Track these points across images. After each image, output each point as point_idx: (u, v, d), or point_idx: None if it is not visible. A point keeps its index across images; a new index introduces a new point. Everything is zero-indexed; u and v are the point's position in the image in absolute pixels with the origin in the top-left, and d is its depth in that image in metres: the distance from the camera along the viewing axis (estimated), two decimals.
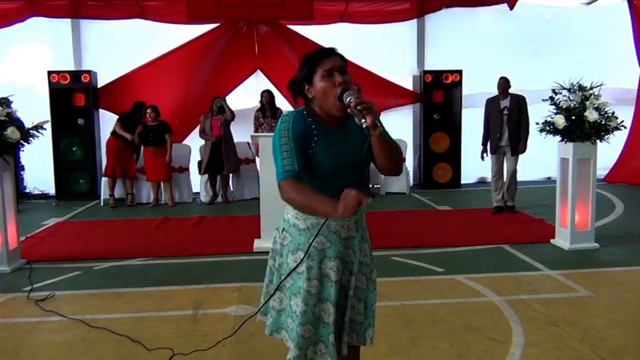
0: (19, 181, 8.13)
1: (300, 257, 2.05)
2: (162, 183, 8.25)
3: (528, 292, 4.27)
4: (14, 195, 5.22)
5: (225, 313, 3.92)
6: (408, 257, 5.21)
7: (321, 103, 2.02)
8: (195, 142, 8.63)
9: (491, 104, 6.92)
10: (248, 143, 8.38)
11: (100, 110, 8.86)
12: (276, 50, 9.00)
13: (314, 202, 1.86)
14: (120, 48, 8.93)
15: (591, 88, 5.28)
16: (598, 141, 5.32)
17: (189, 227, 6.70)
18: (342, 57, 2.04)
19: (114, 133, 7.99)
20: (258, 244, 5.55)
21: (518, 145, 6.78)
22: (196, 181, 8.65)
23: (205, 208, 7.97)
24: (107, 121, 8.62)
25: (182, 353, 3.23)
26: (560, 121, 5.22)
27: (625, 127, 5.60)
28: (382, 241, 5.66)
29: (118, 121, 8.03)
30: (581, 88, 5.29)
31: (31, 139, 5.10)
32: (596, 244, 5.45)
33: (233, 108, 8.09)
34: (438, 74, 9.12)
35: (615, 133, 5.35)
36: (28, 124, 5.11)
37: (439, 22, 9.31)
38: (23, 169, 8.51)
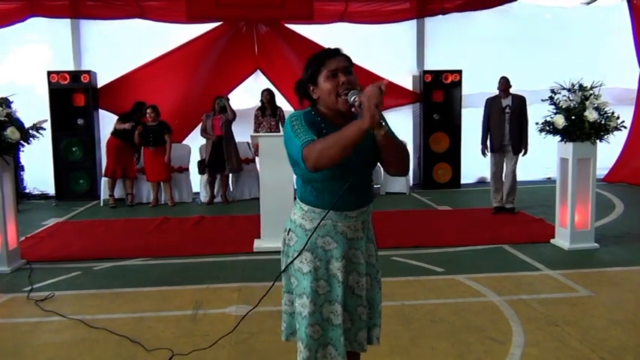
0: (18, 182, 8.12)
1: (307, 258, 2.05)
2: (162, 183, 8.25)
3: (528, 292, 4.27)
4: (14, 195, 5.22)
5: (225, 313, 3.91)
6: (408, 257, 5.21)
7: (326, 103, 2.02)
8: (195, 142, 8.63)
9: (493, 103, 6.92)
10: (248, 143, 8.38)
11: (100, 110, 8.86)
12: (276, 50, 9.00)
13: (339, 136, 1.81)
14: (119, 48, 8.92)
15: (591, 88, 5.28)
16: (598, 141, 5.32)
17: (189, 227, 6.70)
18: (347, 57, 2.04)
19: (114, 132, 7.99)
20: (258, 244, 5.55)
21: (520, 144, 6.77)
22: (196, 181, 8.65)
23: (205, 208, 7.97)
24: (107, 122, 8.62)
25: (181, 353, 3.23)
26: (560, 121, 5.22)
27: (625, 127, 5.60)
28: (382, 241, 5.60)
29: (118, 120, 8.02)
30: (581, 87, 5.29)
31: (30, 139, 5.10)
32: (596, 244, 5.45)
33: (233, 108, 8.08)
34: (437, 74, 9.12)
35: (615, 133, 5.35)
36: (27, 125, 5.11)
37: (439, 22, 9.31)
38: (23, 170, 8.50)
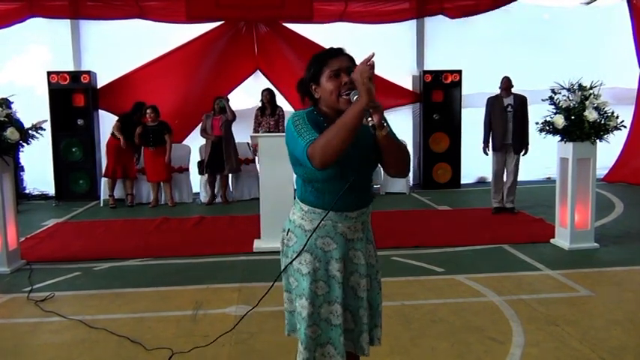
0: (18, 182, 8.12)
1: (306, 259, 2.04)
2: (162, 183, 8.25)
3: (528, 292, 4.26)
4: (14, 196, 5.22)
5: (225, 313, 3.91)
6: (408, 257, 5.21)
7: (327, 103, 2.01)
8: (195, 142, 8.63)
9: (495, 102, 6.91)
10: (248, 144, 8.38)
11: (100, 111, 8.86)
12: (275, 50, 9.00)
13: (339, 125, 1.80)
14: (119, 48, 8.92)
15: (591, 88, 5.28)
16: (598, 141, 5.32)
17: (189, 227, 6.70)
18: (350, 57, 2.03)
19: (113, 133, 7.99)
20: (258, 245, 5.55)
21: (521, 144, 6.77)
22: (196, 182, 8.65)
23: (205, 209, 7.97)
24: (107, 122, 8.62)
25: (182, 351, 3.23)
26: (560, 120, 5.22)
27: (625, 127, 5.60)
28: (382, 241, 5.61)
29: (118, 121, 8.02)
30: (580, 87, 5.29)
31: (30, 139, 5.10)
32: (596, 244, 5.44)
33: (233, 108, 8.08)
34: (437, 74, 9.13)
35: (615, 132, 5.35)
36: (27, 125, 5.11)
37: (439, 22, 9.31)
38: (23, 170, 8.51)
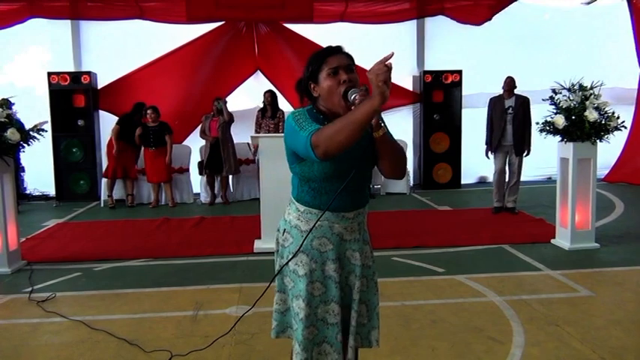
0: (19, 183, 8.14)
1: (303, 260, 2.03)
2: (162, 184, 8.25)
3: (529, 292, 4.27)
4: (14, 196, 5.23)
5: (225, 313, 3.92)
6: (408, 257, 5.21)
7: (326, 102, 1.99)
8: (195, 142, 8.64)
9: (496, 103, 6.91)
10: (248, 144, 8.39)
11: (100, 111, 8.86)
12: (276, 51, 9.01)
13: (348, 119, 1.72)
14: (119, 49, 8.93)
15: (591, 88, 5.28)
16: (598, 141, 5.32)
17: (189, 228, 6.70)
18: (348, 55, 2.01)
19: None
20: (258, 245, 5.55)
21: (521, 144, 6.77)
22: (197, 182, 8.66)
23: (205, 209, 7.97)
24: (107, 122, 8.62)
25: (180, 354, 3.23)
26: (560, 120, 5.22)
27: (625, 127, 5.60)
28: (383, 241, 5.65)
29: (117, 124, 8.02)
30: (581, 87, 5.29)
31: (31, 140, 5.10)
32: (596, 244, 5.44)
33: (233, 109, 8.09)
34: (437, 74, 9.13)
35: (615, 132, 5.35)
36: (28, 126, 5.11)
37: (439, 22, 9.31)
38: (23, 171, 8.52)
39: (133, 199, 8.23)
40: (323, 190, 2.01)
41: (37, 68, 8.72)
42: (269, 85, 8.72)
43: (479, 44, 9.22)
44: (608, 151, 7.03)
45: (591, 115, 5.14)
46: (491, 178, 7.39)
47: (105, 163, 8.31)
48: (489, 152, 7.01)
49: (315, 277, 2.03)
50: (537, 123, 5.59)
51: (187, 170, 8.63)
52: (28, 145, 5.14)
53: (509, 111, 6.78)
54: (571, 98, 5.28)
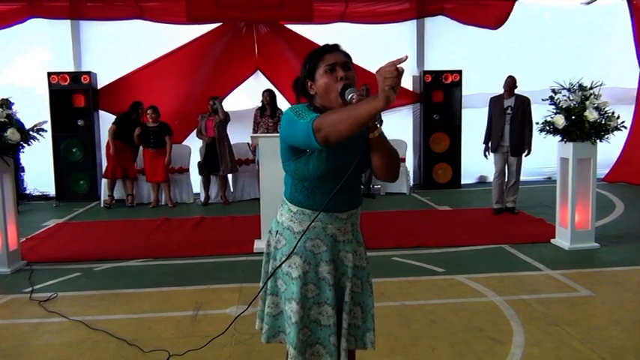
0: (19, 183, 8.13)
1: (296, 262, 2.01)
2: (161, 184, 8.25)
3: (529, 292, 4.27)
4: (14, 196, 5.22)
5: (225, 313, 3.92)
6: (408, 257, 5.21)
7: (323, 99, 1.97)
8: (195, 142, 8.64)
9: (496, 103, 6.91)
10: (248, 144, 8.39)
11: (100, 111, 8.86)
12: (276, 51, 9.00)
13: (351, 112, 1.70)
14: (119, 49, 8.92)
15: (591, 88, 5.28)
16: (598, 141, 5.32)
17: (189, 228, 6.70)
18: (345, 53, 1.99)
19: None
20: (258, 245, 5.55)
21: (520, 145, 6.76)
22: (197, 182, 8.66)
23: (205, 209, 7.97)
24: (107, 123, 8.58)
25: (177, 354, 3.23)
26: (560, 120, 5.22)
27: (625, 127, 5.60)
28: (382, 241, 5.66)
29: (114, 124, 8.01)
30: (580, 87, 5.29)
31: (31, 140, 5.10)
32: (596, 244, 5.44)
33: (233, 109, 8.08)
34: (437, 74, 9.13)
35: (615, 132, 5.35)
36: (28, 126, 5.11)
37: (439, 22, 9.31)
38: (23, 171, 8.51)
39: (132, 199, 8.23)
40: (317, 189, 1.99)
41: (37, 68, 8.71)
42: (269, 86, 8.73)
43: (479, 44, 9.22)
44: (608, 150, 7.02)
45: (591, 115, 5.14)
46: (491, 178, 7.39)
47: (105, 164, 8.31)
48: (487, 152, 7.02)
49: (309, 279, 2.01)
50: (537, 123, 5.59)
51: (187, 170, 8.62)
52: (28, 145, 5.14)
53: (508, 111, 6.78)
54: (571, 98, 5.28)
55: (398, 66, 1.57)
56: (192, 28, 8.77)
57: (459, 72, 9.09)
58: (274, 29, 9.00)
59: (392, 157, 1.97)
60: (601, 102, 5.23)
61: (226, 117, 8.03)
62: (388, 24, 9.19)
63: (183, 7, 8.37)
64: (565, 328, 3.55)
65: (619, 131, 5.42)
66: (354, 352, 2.23)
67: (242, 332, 3.48)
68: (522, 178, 7.10)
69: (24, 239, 5.91)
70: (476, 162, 7.59)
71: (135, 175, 8.25)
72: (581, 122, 5.19)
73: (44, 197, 8.78)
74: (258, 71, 9.22)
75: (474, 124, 8.22)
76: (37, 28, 8.70)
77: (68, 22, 8.83)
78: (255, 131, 7.96)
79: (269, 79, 9.05)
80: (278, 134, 2.10)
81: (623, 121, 5.35)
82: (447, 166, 9.23)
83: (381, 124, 1.96)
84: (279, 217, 2.10)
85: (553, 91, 5.40)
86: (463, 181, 9.40)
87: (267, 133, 7.65)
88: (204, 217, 7.26)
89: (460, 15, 9.10)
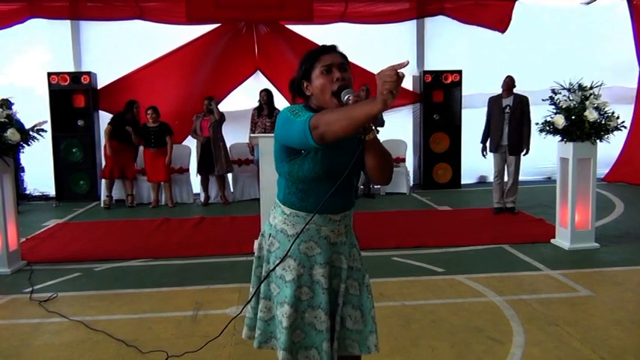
0: (19, 183, 8.13)
1: (290, 265, 1.98)
2: (162, 184, 8.25)
3: (529, 292, 4.27)
4: (14, 196, 5.23)
5: (225, 313, 3.91)
6: (408, 257, 5.21)
7: (318, 100, 1.96)
8: (195, 143, 8.63)
9: (494, 103, 6.91)
10: (248, 144, 8.39)
11: (100, 111, 8.86)
12: (276, 51, 9.00)
13: (348, 112, 1.68)
14: (119, 49, 8.92)
15: (591, 88, 5.28)
16: (598, 141, 5.32)
17: (189, 228, 6.70)
18: (342, 54, 1.98)
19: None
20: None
21: (518, 144, 6.76)
22: (196, 182, 8.65)
23: (205, 209, 7.97)
24: (107, 123, 8.61)
25: (175, 355, 3.22)
26: (560, 120, 5.22)
27: (625, 128, 5.60)
28: (382, 241, 5.66)
29: (109, 124, 8.01)
30: (580, 87, 5.29)
31: (31, 140, 5.10)
32: (596, 244, 5.44)
33: (232, 109, 8.08)
34: (437, 74, 9.13)
35: (615, 132, 5.35)
36: (28, 126, 5.11)
37: (439, 22, 9.31)
38: (23, 171, 8.51)
39: (132, 199, 8.23)
40: (311, 191, 1.97)
41: (37, 68, 8.71)
42: (268, 85, 8.72)
43: (479, 44, 9.22)
44: (608, 150, 7.02)
45: (591, 115, 5.14)
46: (491, 178, 7.39)
47: (104, 164, 8.31)
48: (485, 151, 7.01)
49: (303, 282, 1.99)
50: (537, 123, 5.59)
51: (187, 170, 8.62)
52: (28, 145, 5.14)
53: (507, 110, 6.78)
54: (571, 98, 5.28)
55: (399, 71, 1.55)
56: (192, 29, 8.77)
57: (459, 72, 9.09)
58: (274, 29, 9.00)
59: (386, 159, 1.96)
60: (601, 102, 5.24)
61: (222, 117, 8.03)
62: (388, 24, 9.19)
63: (183, 7, 8.37)
64: (565, 328, 3.55)
65: (619, 131, 5.42)
66: (360, 358, 2.18)
67: (242, 332, 3.47)
68: (522, 178, 7.10)
69: (24, 239, 5.91)
70: (476, 162, 7.60)
71: (134, 175, 8.24)
72: (581, 122, 5.19)
73: (44, 197, 8.78)
74: (258, 71, 9.22)
75: (473, 124, 8.21)
76: (37, 28, 8.69)
77: (68, 22, 8.82)
78: (252, 131, 7.96)
79: (269, 79, 9.05)
80: None
81: (623, 121, 5.35)
82: (447, 166, 9.23)
83: (382, 125, 1.95)
84: (272, 219, 2.08)
85: (552, 91, 5.40)
86: (463, 181, 9.40)
87: (265, 133, 7.64)
88: (204, 217, 7.26)
89: (460, 15, 9.11)
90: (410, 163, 9.42)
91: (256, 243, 2.15)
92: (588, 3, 9.46)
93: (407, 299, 4.11)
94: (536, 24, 9.45)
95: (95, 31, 8.96)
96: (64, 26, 8.85)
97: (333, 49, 1.99)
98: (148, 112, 7.96)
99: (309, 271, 2.00)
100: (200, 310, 4.01)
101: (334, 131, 1.71)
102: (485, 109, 7.11)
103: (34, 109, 7.35)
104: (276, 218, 2.06)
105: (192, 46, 8.86)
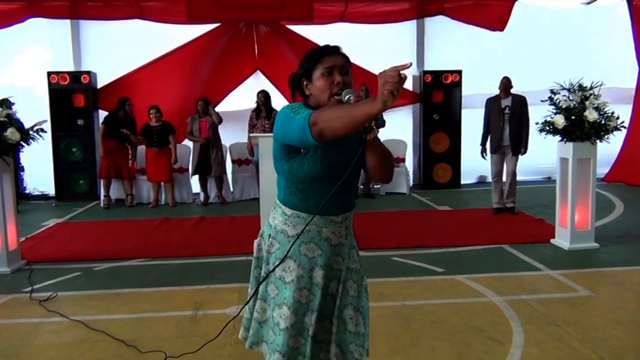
0: (19, 182, 8.13)
1: (290, 266, 1.97)
2: (163, 183, 8.25)
3: (528, 292, 4.27)
4: (14, 196, 5.22)
5: (225, 313, 3.91)
6: (408, 257, 5.21)
7: (318, 101, 1.94)
8: (191, 144, 8.63)
9: (493, 103, 6.91)
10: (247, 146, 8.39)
11: (100, 111, 8.85)
12: (275, 51, 9.00)
13: (347, 111, 1.66)
14: (119, 49, 8.92)
15: (591, 88, 5.28)
16: (598, 141, 5.32)
17: (189, 228, 6.70)
18: (345, 57, 1.96)
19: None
20: None
21: (519, 144, 6.77)
22: (196, 182, 8.65)
23: (205, 209, 7.97)
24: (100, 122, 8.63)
25: (173, 356, 3.22)
26: (560, 120, 5.23)
27: (625, 128, 5.60)
28: (382, 241, 5.66)
29: (103, 124, 8.01)
30: (580, 87, 5.29)
31: (31, 140, 5.10)
32: (596, 244, 5.45)
33: (232, 109, 8.08)
34: (437, 74, 9.14)
35: (615, 132, 5.35)
36: (28, 126, 5.11)
37: (439, 22, 9.32)
38: (23, 170, 8.51)
39: (132, 198, 8.23)
40: (312, 191, 1.96)
41: (37, 68, 8.71)
42: (268, 85, 8.72)
43: (479, 44, 9.22)
44: (607, 149, 7.02)
45: (591, 115, 5.14)
46: (490, 178, 7.39)
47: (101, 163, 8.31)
48: (484, 153, 7.02)
49: (303, 284, 1.97)
50: (537, 123, 5.59)
51: (187, 170, 8.62)
52: (28, 144, 5.14)
53: (506, 111, 6.78)
54: (571, 98, 5.29)
55: (401, 72, 1.53)
56: (192, 28, 8.77)
57: (459, 72, 9.09)
58: (274, 29, 9.00)
59: (387, 158, 1.95)
60: (601, 102, 5.24)
61: (220, 120, 8.04)
62: (388, 24, 9.19)
63: (183, 7, 8.37)
64: (565, 328, 3.55)
65: (618, 131, 5.42)
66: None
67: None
68: (522, 178, 7.11)
69: (24, 239, 5.91)
70: (476, 162, 7.60)
71: (130, 174, 8.21)
72: (581, 122, 5.19)
73: (44, 197, 8.77)
74: (258, 71, 9.22)
75: (473, 124, 8.21)
76: (36, 27, 8.69)
77: (68, 21, 8.83)
78: (250, 133, 7.95)
79: (269, 79, 9.05)
80: None
81: (623, 121, 5.36)
82: (446, 166, 9.23)
83: (383, 126, 1.95)
84: (272, 220, 2.06)
85: (552, 91, 5.40)
86: (463, 181, 9.40)
87: (264, 133, 7.64)
88: (204, 216, 7.26)
89: (460, 15, 9.11)
90: (410, 163, 9.42)
91: (255, 243, 2.13)
92: (588, 3, 9.46)
93: (407, 299, 4.11)
94: (536, 24, 9.45)
95: (95, 30, 8.96)
96: (64, 26, 8.85)
97: (336, 50, 1.97)
98: (151, 111, 7.94)
99: (309, 273, 1.98)
100: (199, 309, 4.00)
101: (333, 128, 1.69)
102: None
103: (34, 108, 7.35)
104: (276, 219, 2.04)
105: (192, 46, 8.86)
